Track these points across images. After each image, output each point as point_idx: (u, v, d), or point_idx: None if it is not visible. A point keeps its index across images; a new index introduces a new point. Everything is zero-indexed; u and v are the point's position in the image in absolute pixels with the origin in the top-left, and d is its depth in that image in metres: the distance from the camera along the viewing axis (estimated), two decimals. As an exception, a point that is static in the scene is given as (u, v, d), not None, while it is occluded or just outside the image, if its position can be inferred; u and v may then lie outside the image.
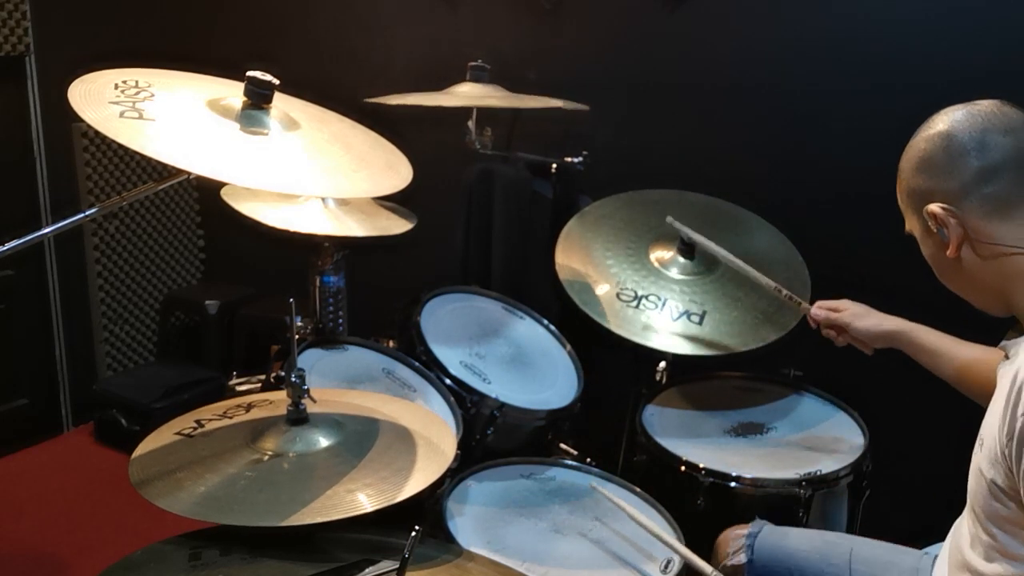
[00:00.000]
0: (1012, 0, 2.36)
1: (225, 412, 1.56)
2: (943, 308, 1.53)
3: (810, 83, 2.62)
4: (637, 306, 2.14)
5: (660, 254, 2.25)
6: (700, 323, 2.11)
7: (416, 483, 1.37)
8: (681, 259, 2.23)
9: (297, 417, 1.47)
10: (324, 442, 1.45)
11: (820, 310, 1.88)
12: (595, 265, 2.23)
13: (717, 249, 2.08)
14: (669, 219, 2.17)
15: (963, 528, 1.31)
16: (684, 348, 2.09)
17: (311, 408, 1.49)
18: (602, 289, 2.19)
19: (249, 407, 1.59)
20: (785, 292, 1.99)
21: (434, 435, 1.53)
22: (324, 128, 1.58)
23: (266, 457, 1.41)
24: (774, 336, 2.10)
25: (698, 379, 2.29)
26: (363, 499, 1.32)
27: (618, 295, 2.17)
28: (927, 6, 2.47)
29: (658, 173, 2.58)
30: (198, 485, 1.33)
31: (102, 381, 3.42)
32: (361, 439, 1.47)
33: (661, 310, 2.14)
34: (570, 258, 2.25)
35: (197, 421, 1.52)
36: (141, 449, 1.44)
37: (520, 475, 1.91)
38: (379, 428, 1.52)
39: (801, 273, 2.23)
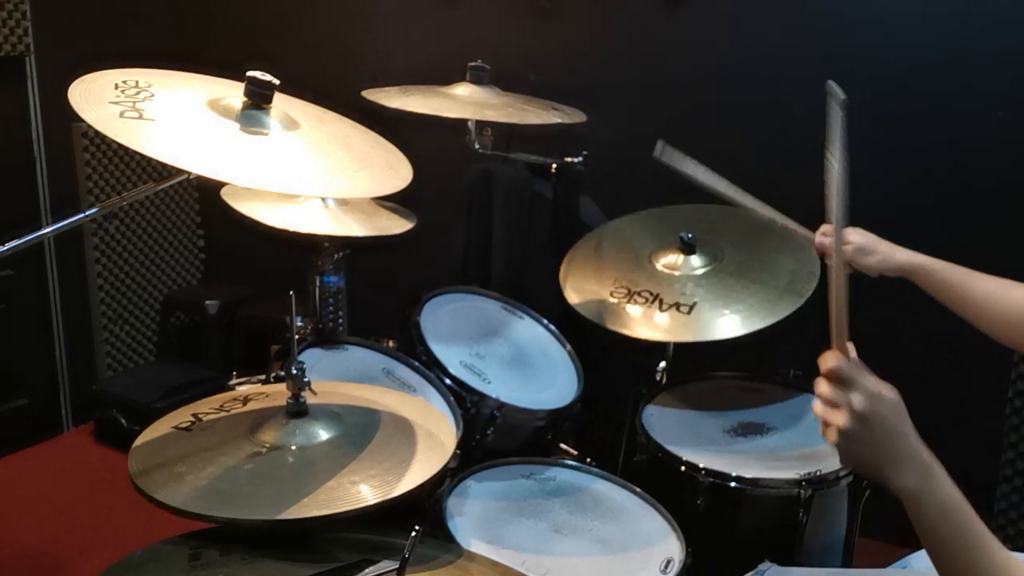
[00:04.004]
0: (1011, 2, 2.36)
1: (222, 406, 1.56)
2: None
3: (810, 83, 2.60)
4: (629, 301, 2.14)
5: (660, 255, 2.26)
6: (689, 313, 2.10)
7: (419, 473, 1.37)
8: (681, 257, 2.23)
9: (297, 410, 1.47)
10: (324, 435, 1.45)
11: (824, 238, 1.82)
12: (600, 282, 2.23)
13: (713, 179, 2.01)
14: (659, 151, 2.06)
15: None
16: (681, 338, 2.08)
17: (310, 400, 1.49)
18: (602, 293, 2.19)
19: (246, 400, 1.58)
20: (791, 225, 1.96)
21: (433, 426, 1.53)
22: (324, 128, 1.58)
23: (265, 450, 1.41)
24: (764, 324, 2.07)
25: (698, 379, 2.29)
26: (368, 491, 1.32)
27: (611, 292, 2.17)
28: (927, 7, 2.47)
29: (658, 173, 2.57)
30: (200, 479, 1.33)
31: (102, 381, 3.42)
32: (361, 431, 1.48)
33: (652, 303, 2.13)
34: (579, 283, 2.26)
35: (194, 415, 1.52)
36: (139, 442, 1.44)
37: (520, 475, 1.91)
38: (378, 420, 1.52)
39: (802, 272, 2.23)
